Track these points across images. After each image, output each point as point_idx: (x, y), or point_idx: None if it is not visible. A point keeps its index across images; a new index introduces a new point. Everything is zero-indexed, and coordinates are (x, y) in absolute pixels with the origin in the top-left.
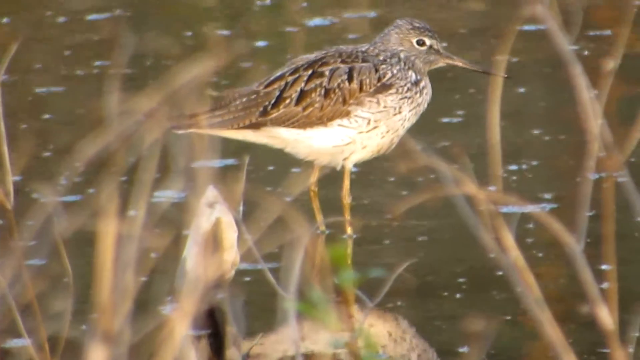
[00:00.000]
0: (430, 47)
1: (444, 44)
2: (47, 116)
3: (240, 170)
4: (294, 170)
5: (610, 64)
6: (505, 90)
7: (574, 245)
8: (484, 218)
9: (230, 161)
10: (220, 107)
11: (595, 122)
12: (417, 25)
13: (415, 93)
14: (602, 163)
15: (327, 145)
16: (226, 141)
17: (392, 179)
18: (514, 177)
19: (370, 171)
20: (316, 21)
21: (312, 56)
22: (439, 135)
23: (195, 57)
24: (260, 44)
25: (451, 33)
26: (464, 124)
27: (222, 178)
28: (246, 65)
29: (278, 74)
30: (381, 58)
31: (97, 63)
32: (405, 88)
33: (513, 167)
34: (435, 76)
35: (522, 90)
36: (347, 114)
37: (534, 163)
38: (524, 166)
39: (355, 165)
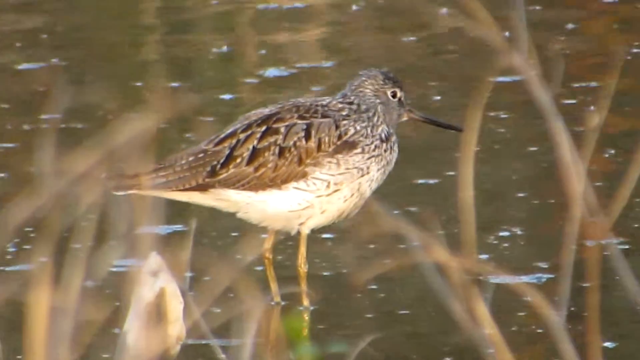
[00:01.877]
0: (399, 99)
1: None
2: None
3: (187, 236)
4: (246, 235)
5: (595, 119)
6: (483, 148)
7: (554, 318)
8: (456, 288)
9: (176, 226)
10: (165, 166)
11: (579, 184)
12: (390, 75)
13: (385, 150)
14: (587, 229)
15: (282, 209)
16: (172, 204)
17: (354, 245)
18: (494, 244)
19: (331, 236)
20: (273, 71)
21: (266, 110)
22: (411, 198)
23: (139, 110)
24: (213, 96)
25: (419, 83)
26: (439, 185)
27: (167, 244)
28: (196, 120)
29: (229, 130)
30: (344, 113)
31: (44, 116)
32: (373, 146)
33: (493, 234)
34: (409, 131)
35: (499, 147)
36: (304, 175)
37: (515, 229)
38: (504, 233)
39: (313, 230)
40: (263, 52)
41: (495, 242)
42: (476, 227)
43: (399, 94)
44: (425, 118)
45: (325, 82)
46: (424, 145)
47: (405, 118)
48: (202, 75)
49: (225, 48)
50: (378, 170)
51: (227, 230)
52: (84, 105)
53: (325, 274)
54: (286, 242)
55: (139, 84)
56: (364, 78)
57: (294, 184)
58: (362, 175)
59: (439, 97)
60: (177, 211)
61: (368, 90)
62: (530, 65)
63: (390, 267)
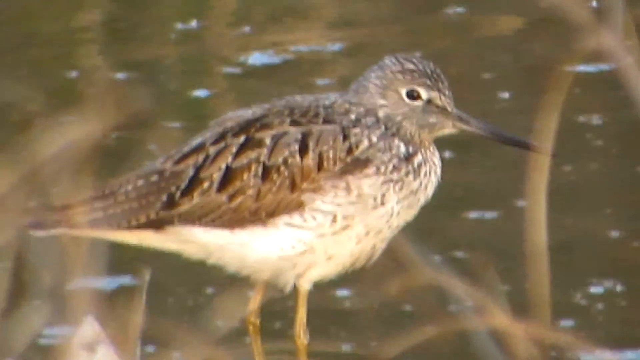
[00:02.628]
0: (429, 102)
1: (452, 100)
2: None
3: (137, 292)
4: (225, 290)
5: None
6: (557, 170)
7: None
8: None
9: (124, 278)
10: (104, 195)
11: None
12: (411, 66)
13: (407, 174)
14: None
15: (269, 255)
16: (120, 247)
17: (375, 305)
18: (581, 305)
19: (346, 293)
20: (259, 57)
21: (248, 113)
22: (458, 239)
23: (74, 113)
24: (177, 92)
25: (470, 79)
26: (499, 221)
27: (111, 305)
28: (154, 127)
29: (196, 142)
30: (353, 117)
31: None
32: (391, 166)
33: (579, 291)
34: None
35: (576, 168)
36: (299, 205)
37: (612, 284)
38: (596, 289)
39: (317, 284)
40: (245, 29)
41: (583, 301)
42: (553, 281)
43: (425, 95)
44: (485, 130)
45: (332, 72)
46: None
47: (449, 130)
48: (162, 63)
49: (194, 23)
50: (399, 201)
51: (198, 283)
52: None
53: (338, 346)
54: (284, 301)
55: (73, 74)
56: (373, 69)
57: (285, 218)
58: (375, 208)
59: (494, 95)
60: (126, 257)
61: (372, 86)
62: (626, 48)
63: (429, 336)
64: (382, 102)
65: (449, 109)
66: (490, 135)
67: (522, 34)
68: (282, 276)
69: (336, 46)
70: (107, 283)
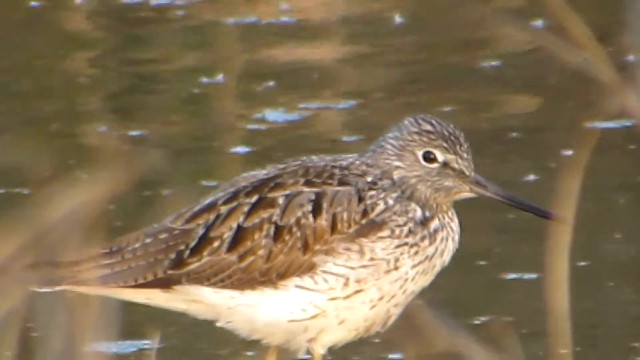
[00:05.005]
0: (446, 165)
1: (472, 163)
2: None
3: (148, 356)
4: (234, 355)
5: None
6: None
7: None
8: None
9: (140, 342)
10: (111, 252)
11: None
12: (429, 127)
13: (423, 239)
14: None
15: (280, 318)
16: (134, 308)
17: None
18: None
19: (358, 357)
20: (276, 114)
21: (262, 173)
22: (480, 301)
23: (81, 172)
24: (189, 151)
25: (493, 137)
26: (527, 284)
27: None
28: (164, 187)
29: (207, 201)
30: (369, 179)
31: None
32: (407, 229)
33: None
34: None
35: (601, 236)
36: (311, 267)
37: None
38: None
39: (332, 349)
40: (266, 86)
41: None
42: (576, 342)
43: (441, 157)
44: (503, 196)
45: (362, 129)
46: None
47: (466, 194)
48: (174, 120)
49: (204, 80)
50: (414, 266)
51: (212, 347)
52: None
53: None
54: None
55: (83, 135)
56: (393, 130)
57: (296, 280)
58: (388, 272)
59: (513, 154)
60: (141, 319)
61: (390, 147)
62: None
63: None
64: (397, 163)
65: (467, 173)
66: (507, 202)
67: (542, 89)
68: (293, 341)
69: (350, 103)
70: (118, 347)
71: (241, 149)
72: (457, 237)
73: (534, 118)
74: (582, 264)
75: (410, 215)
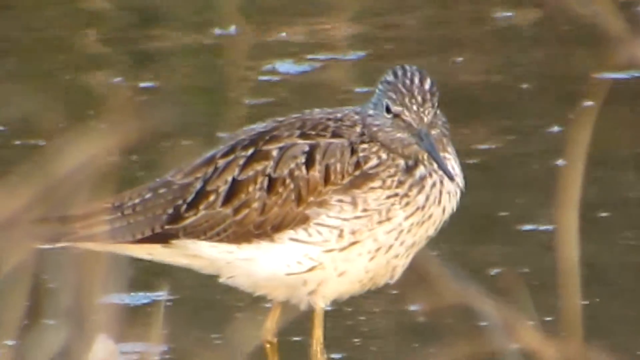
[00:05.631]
0: (397, 116)
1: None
2: None
3: (156, 309)
4: (240, 308)
5: None
6: (594, 181)
7: None
8: None
9: (142, 296)
10: (113, 208)
11: None
12: (391, 78)
13: (411, 187)
14: None
15: (277, 272)
16: (137, 264)
17: (401, 323)
18: (613, 323)
19: (363, 311)
20: (287, 65)
21: (261, 126)
22: (490, 254)
23: (89, 127)
24: (199, 102)
25: (505, 90)
26: (536, 235)
27: (128, 321)
28: (169, 143)
29: (207, 155)
30: (359, 130)
31: None
32: (397, 180)
33: (611, 308)
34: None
35: (614, 176)
36: (305, 220)
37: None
38: (625, 308)
39: (335, 302)
40: (278, 37)
41: (616, 321)
42: (584, 297)
43: (392, 108)
44: (429, 152)
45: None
46: (514, 164)
47: (417, 147)
48: (184, 72)
49: (217, 31)
50: (407, 218)
51: (232, 296)
52: (4, 119)
53: None
54: (304, 318)
55: (90, 83)
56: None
57: (290, 233)
58: (380, 223)
59: (523, 106)
60: (156, 270)
61: (374, 98)
62: None
63: (458, 356)
64: (370, 111)
65: (414, 125)
66: (428, 153)
67: (549, 40)
68: (295, 295)
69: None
70: (131, 298)
71: (255, 101)
72: (459, 180)
73: (546, 68)
74: (603, 214)
75: (399, 167)
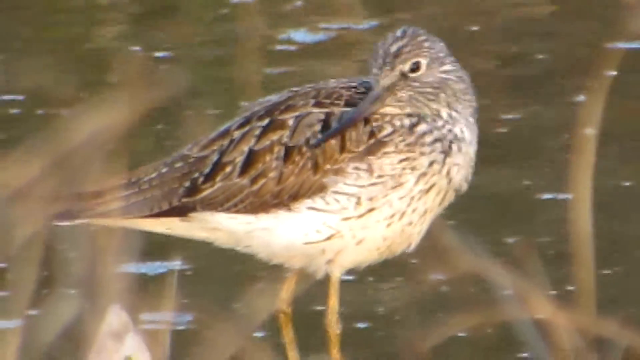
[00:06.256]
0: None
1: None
2: None
3: (169, 279)
4: (258, 277)
5: None
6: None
7: None
8: (565, 354)
9: (155, 266)
10: (130, 183)
11: None
12: (381, 40)
13: (415, 145)
14: None
15: (295, 240)
16: (149, 235)
17: (415, 293)
18: (628, 289)
19: (378, 278)
20: (303, 34)
21: (276, 97)
22: (504, 221)
23: (102, 97)
24: (209, 73)
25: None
26: (554, 203)
27: (141, 291)
28: (185, 112)
29: (223, 127)
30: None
31: None
32: (406, 141)
33: (625, 274)
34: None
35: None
36: (322, 189)
37: None
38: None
39: (357, 272)
40: (296, 4)
41: (629, 291)
42: (599, 265)
43: (373, 66)
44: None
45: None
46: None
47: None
48: (202, 41)
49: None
50: (416, 183)
51: (251, 266)
52: (17, 88)
53: (371, 336)
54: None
55: (99, 53)
56: None
57: (308, 202)
58: (394, 188)
59: (539, 76)
60: (173, 239)
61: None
62: None
63: (469, 326)
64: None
65: (374, 87)
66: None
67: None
68: (312, 263)
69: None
70: (147, 267)
71: (271, 70)
72: (468, 149)
73: (561, 40)
74: (627, 183)
75: (405, 128)
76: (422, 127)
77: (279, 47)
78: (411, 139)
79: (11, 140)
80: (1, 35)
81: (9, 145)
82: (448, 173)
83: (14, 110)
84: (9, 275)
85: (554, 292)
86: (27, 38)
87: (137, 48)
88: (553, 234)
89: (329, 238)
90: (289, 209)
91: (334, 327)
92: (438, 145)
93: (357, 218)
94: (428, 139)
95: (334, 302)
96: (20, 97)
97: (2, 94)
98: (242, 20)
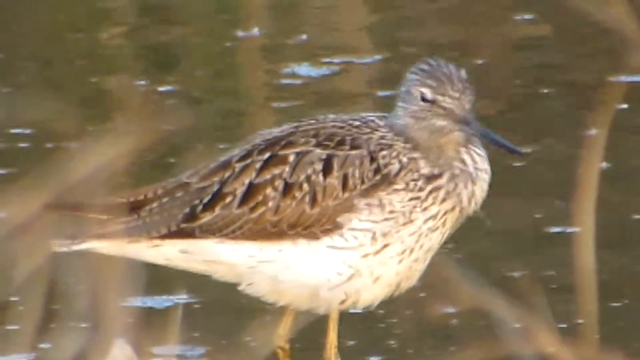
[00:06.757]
0: (435, 103)
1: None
2: None
3: (174, 312)
4: (264, 309)
5: None
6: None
7: None
8: None
9: (159, 300)
10: (130, 211)
11: None
12: (425, 67)
13: (430, 193)
14: None
15: (319, 285)
16: (153, 268)
17: (414, 327)
18: (622, 323)
19: (377, 313)
20: (306, 68)
21: (277, 131)
22: (512, 255)
23: (106, 130)
24: (219, 106)
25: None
26: (566, 236)
27: (146, 325)
28: (193, 143)
29: (224, 158)
30: (380, 134)
31: None
32: (419, 184)
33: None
34: None
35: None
36: (338, 227)
37: None
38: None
39: (379, 305)
40: (301, 38)
41: (632, 326)
42: (601, 297)
43: (430, 96)
44: (481, 133)
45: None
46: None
47: (458, 133)
48: (207, 75)
49: (239, 33)
50: (425, 221)
51: (257, 299)
52: (22, 122)
53: None
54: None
55: (105, 86)
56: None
57: (326, 240)
58: (405, 225)
59: (542, 109)
60: (179, 273)
61: (400, 94)
62: None
63: (476, 359)
64: (401, 104)
65: (457, 112)
66: (484, 138)
67: (563, 44)
68: (327, 305)
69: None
70: (154, 301)
71: (277, 104)
72: (481, 191)
73: (565, 72)
74: (636, 216)
75: (421, 171)
76: (441, 181)
77: (283, 81)
78: (428, 186)
79: (20, 174)
80: (7, 69)
81: (17, 179)
82: (454, 209)
83: (23, 144)
84: (14, 309)
85: (561, 325)
86: (32, 72)
87: (141, 82)
88: (563, 267)
89: (349, 278)
90: (309, 246)
91: None
92: (454, 194)
93: (374, 255)
94: (442, 191)
95: (333, 336)
96: (28, 131)
97: (10, 128)
98: (247, 54)
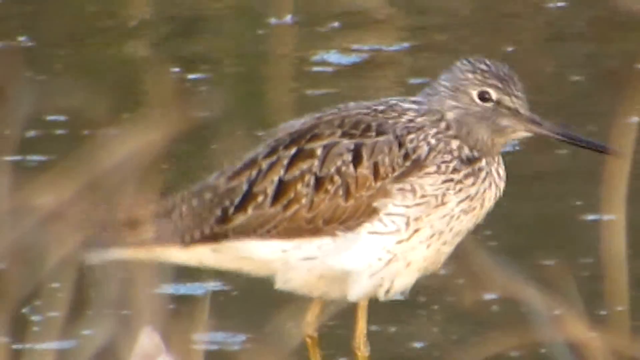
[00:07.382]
0: (499, 104)
1: (528, 104)
2: None
3: (201, 303)
4: (294, 298)
5: None
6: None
7: None
8: None
9: (187, 288)
10: (160, 215)
11: None
12: (483, 67)
13: (467, 176)
14: None
15: (360, 271)
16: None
17: (445, 314)
18: None
19: (407, 300)
20: (337, 56)
21: (299, 123)
22: (544, 243)
23: (135, 120)
24: (245, 93)
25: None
26: (594, 225)
27: (173, 315)
28: (224, 135)
29: (249, 156)
30: (407, 118)
31: None
32: (452, 166)
33: None
34: None
35: None
36: (374, 212)
37: None
38: None
39: (409, 293)
40: (333, 25)
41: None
42: (633, 286)
43: (495, 96)
44: (558, 133)
45: (418, 73)
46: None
47: (522, 133)
48: (240, 62)
49: (272, 20)
50: (458, 203)
51: (260, 296)
52: (54, 109)
53: (400, 353)
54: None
55: (135, 78)
56: (445, 70)
57: (367, 226)
58: (436, 207)
59: (574, 98)
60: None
61: (442, 89)
62: None
63: (504, 349)
64: (453, 103)
65: (521, 111)
66: (563, 139)
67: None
68: (365, 294)
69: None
70: (186, 289)
71: (308, 91)
72: (502, 185)
73: (598, 59)
74: None
75: (455, 153)
76: (482, 164)
77: (314, 68)
78: (465, 168)
79: (55, 161)
80: (42, 56)
81: (53, 166)
82: (483, 198)
83: (58, 131)
84: (43, 297)
85: (592, 313)
86: (67, 59)
87: (175, 69)
88: (596, 255)
89: (387, 263)
90: (345, 234)
91: (362, 349)
92: (487, 181)
93: (407, 240)
94: (483, 175)
95: (362, 324)
96: (63, 118)
97: (45, 115)
98: (278, 42)
